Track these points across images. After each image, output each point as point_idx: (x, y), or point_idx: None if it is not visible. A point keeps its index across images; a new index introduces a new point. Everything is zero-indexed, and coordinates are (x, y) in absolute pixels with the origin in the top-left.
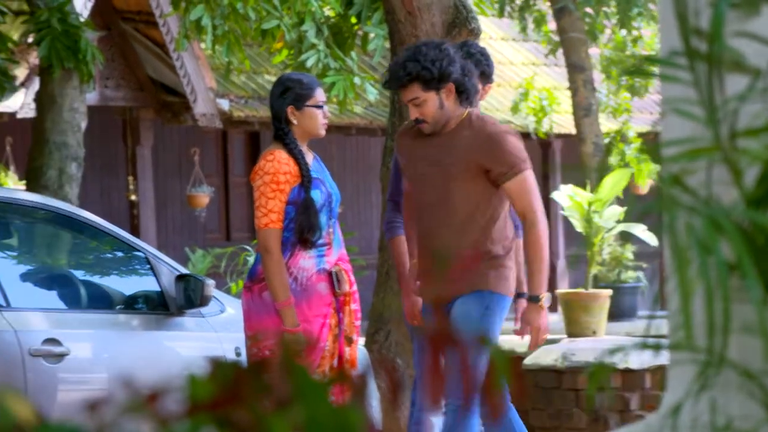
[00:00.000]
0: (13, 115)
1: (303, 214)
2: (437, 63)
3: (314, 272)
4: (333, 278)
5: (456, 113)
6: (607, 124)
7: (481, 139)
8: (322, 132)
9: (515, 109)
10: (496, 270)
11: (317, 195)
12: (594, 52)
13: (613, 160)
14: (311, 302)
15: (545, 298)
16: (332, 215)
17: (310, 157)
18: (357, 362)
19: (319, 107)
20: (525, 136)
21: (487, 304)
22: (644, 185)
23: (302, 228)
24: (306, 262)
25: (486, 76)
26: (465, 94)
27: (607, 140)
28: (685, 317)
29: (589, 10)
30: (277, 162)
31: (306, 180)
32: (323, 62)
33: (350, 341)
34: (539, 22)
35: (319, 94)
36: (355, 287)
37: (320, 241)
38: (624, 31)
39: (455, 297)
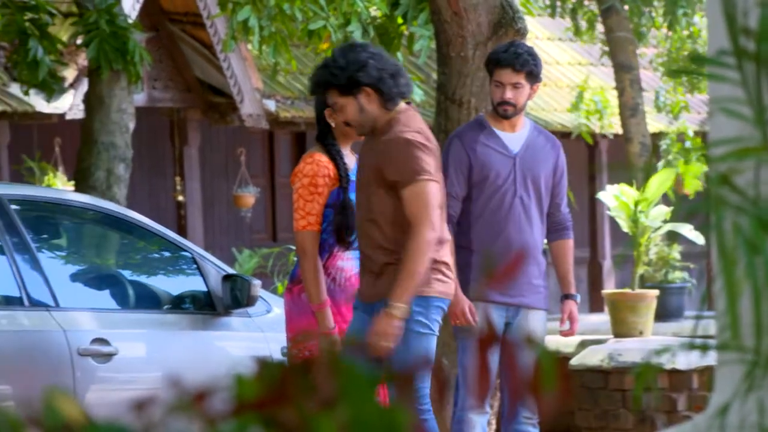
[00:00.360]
0: (61, 116)
1: (340, 215)
2: (345, 69)
3: (353, 273)
4: None
5: (382, 117)
6: (654, 123)
7: (384, 145)
8: (354, 134)
9: (575, 107)
10: (431, 273)
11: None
12: (649, 51)
13: (670, 159)
14: (350, 303)
15: (399, 308)
16: None
17: (351, 160)
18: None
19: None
20: (567, 135)
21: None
22: (693, 186)
23: (340, 229)
24: (344, 263)
25: (534, 76)
26: (384, 98)
27: (666, 139)
28: (732, 317)
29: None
30: (315, 165)
31: (344, 182)
32: None
33: None
34: (591, 21)
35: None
36: None
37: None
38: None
39: (376, 301)
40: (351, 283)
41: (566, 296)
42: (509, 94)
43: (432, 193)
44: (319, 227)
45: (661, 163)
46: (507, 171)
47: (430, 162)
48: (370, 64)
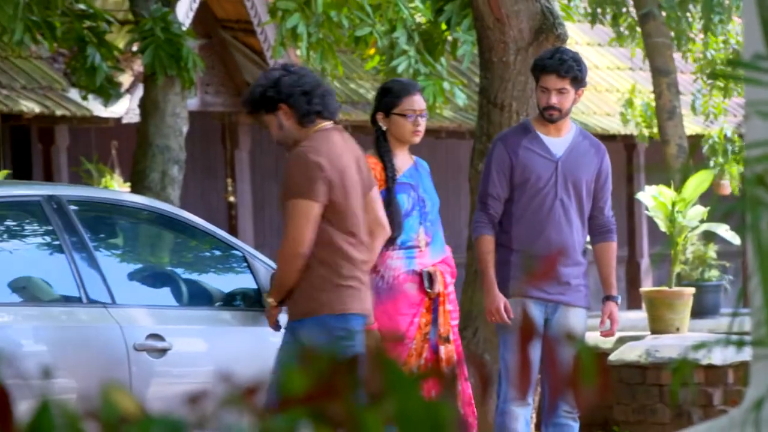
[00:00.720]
0: (118, 120)
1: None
2: (258, 88)
3: (402, 272)
4: (424, 279)
5: (300, 134)
6: (691, 126)
7: (286, 161)
8: (413, 139)
9: (624, 119)
10: (327, 292)
11: (403, 199)
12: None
13: (715, 160)
14: (397, 301)
15: (270, 301)
16: (425, 220)
17: (406, 162)
18: (452, 361)
19: (407, 116)
20: (611, 137)
21: (323, 328)
22: (735, 187)
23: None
24: (394, 262)
25: (578, 81)
26: (299, 114)
27: (706, 141)
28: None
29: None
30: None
31: (389, 183)
32: (414, 68)
33: (446, 340)
34: (632, 27)
35: (408, 103)
36: (450, 288)
37: (409, 243)
38: (713, 36)
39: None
40: (398, 282)
41: (607, 297)
42: (554, 99)
43: (301, 212)
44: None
45: (711, 163)
46: (548, 174)
47: (313, 181)
48: (284, 81)
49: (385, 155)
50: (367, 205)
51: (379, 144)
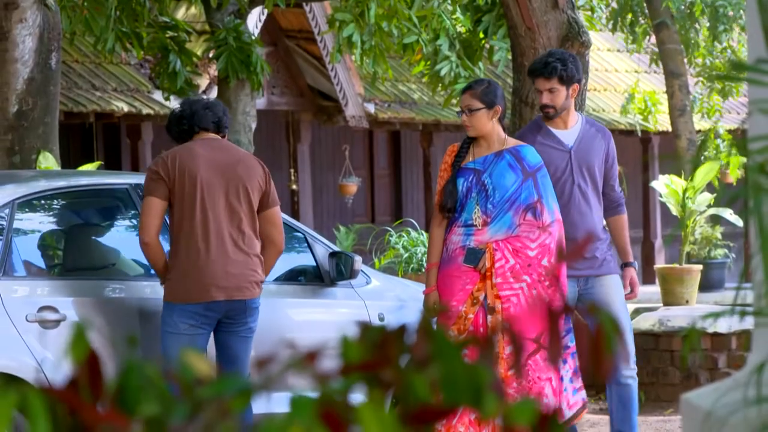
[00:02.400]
0: None
1: (443, 190)
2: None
3: (458, 246)
4: (466, 254)
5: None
6: (700, 123)
7: None
8: (468, 132)
9: (624, 111)
10: (170, 281)
11: (460, 182)
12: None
13: (707, 153)
14: (451, 269)
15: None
16: (484, 202)
17: (485, 151)
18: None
19: (460, 112)
20: (629, 133)
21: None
22: (735, 175)
23: (441, 207)
24: (455, 237)
25: (566, 79)
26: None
27: (701, 137)
28: None
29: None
30: (445, 154)
31: (453, 168)
32: (455, 71)
33: (492, 310)
34: (645, 34)
35: (459, 101)
36: (500, 264)
37: (469, 222)
38: (717, 43)
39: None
40: (456, 254)
41: (626, 264)
42: (546, 99)
43: (144, 207)
44: (440, 204)
45: (703, 157)
46: (564, 164)
47: (150, 182)
48: (173, 114)
49: (462, 144)
50: (262, 220)
51: (467, 134)
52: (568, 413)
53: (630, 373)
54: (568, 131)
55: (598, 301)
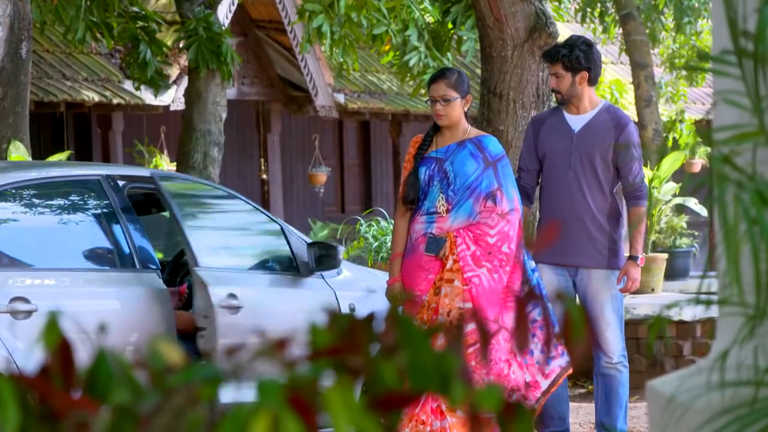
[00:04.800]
0: (166, 108)
1: (405, 182)
2: None
3: (420, 235)
4: (427, 242)
5: None
6: (665, 112)
7: None
8: (438, 121)
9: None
10: None
11: (422, 171)
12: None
13: (670, 138)
14: (414, 258)
15: None
16: (446, 190)
17: (448, 141)
18: (454, 315)
19: (430, 101)
20: None
21: None
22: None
23: (404, 197)
24: (417, 225)
25: (570, 66)
26: None
27: (665, 120)
28: (732, 276)
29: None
30: (409, 144)
31: (416, 159)
32: (423, 62)
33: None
34: (615, 23)
35: (430, 90)
36: (460, 249)
37: (431, 210)
38: (681, 33)
39: None
40: (418, 243)
41: (628, 257)
42: (553, 83)
43: None
44: (402, 194)
45: (673, 138)
46: (564, 147)
47: None
48: None
49: (427, 133)
50: None
51: (432, 124)
52: (544, 383)
53: (613, 364)
54: (579, 117)
55: (587, 294)
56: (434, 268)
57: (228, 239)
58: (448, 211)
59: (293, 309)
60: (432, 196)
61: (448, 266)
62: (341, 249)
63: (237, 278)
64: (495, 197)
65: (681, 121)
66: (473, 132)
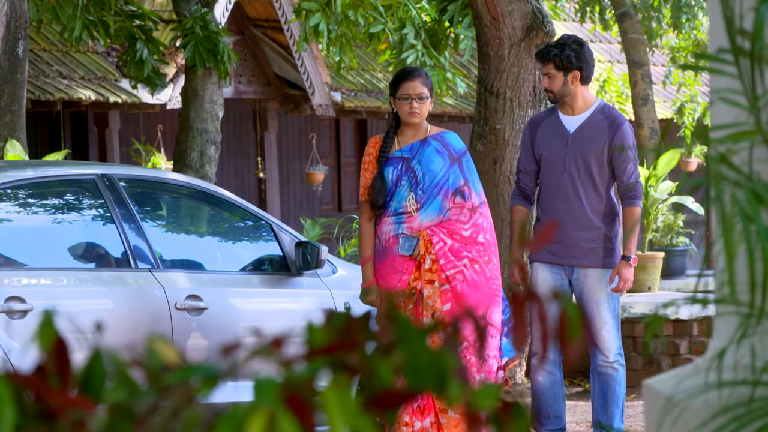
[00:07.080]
0: (163, 106)
1: (373, 187)
2: None
3: (391, 236)
4: (400, 242)
5: None
6: (662, 111)
7: None
8: (409, 120)
9: (599, 94)
10: None
11: (388, 171)
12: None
13: (685, 121)
14: (386, 260)
15: None
16: (416, 189)
17: (411, 139)
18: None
19: (403, 99)
20: None
21: None
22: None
23: (372, 199)
24: (386, 227)
25: (562, 66)
26: None
27: (678, 105)
28: (729, 275)
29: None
30: (368, 146)
31: (380, 160)
32: (420, 60)
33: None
34: (612, 22)
35: (405, 88)
36: (437, 248)
37: (399, 210)
38: (679, 31)
39: None
40: (389, 244)
41: (621, 257)
42: (544, 83)
43: None
44: (365, 197)
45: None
46: (560, 148)
47: None
48: None
49: (387, 133)
50: None
51: (391, 124)
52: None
53: (610, 362)
54: (574, 117)
55: (583, 293)
56: (408, 269)
57: (218, 241)
58: (417, 210)
59: (285, 309)
60: (400, 196)
61: (426, 266)
62: (324, 248)
63: (204, 279)
64: (463, 193)
65: (696, 104)
66: (434, 129)
